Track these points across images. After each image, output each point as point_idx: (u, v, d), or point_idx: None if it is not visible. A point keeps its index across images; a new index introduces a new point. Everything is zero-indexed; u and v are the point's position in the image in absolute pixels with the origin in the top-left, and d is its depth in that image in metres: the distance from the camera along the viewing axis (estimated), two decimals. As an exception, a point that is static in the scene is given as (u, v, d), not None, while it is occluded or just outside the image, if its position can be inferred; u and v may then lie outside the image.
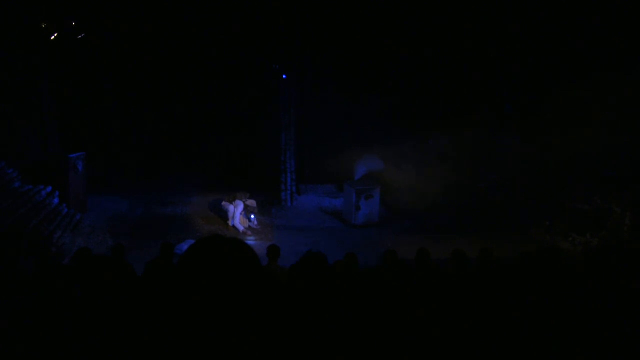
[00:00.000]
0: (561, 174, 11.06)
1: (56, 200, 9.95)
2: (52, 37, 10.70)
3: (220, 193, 12.15)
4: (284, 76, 11.33)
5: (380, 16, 11.18)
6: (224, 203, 10.59)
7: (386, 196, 11.40)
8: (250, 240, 9.90)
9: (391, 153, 12.24)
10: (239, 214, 10.36)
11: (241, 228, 10.40)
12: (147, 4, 11.11)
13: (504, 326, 4.08)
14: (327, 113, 11.92)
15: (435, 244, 8.50)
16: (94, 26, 11.12)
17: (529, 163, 11.71)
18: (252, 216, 10.50)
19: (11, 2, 9.99)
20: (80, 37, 11.11)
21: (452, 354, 3.75)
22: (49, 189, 9.97)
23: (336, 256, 6.36)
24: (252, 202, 10.50)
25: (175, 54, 12.19)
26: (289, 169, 11.62)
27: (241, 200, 10.42)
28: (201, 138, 13.00)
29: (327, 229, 10.68)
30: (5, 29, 9.90)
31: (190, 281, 1.13)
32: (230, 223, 10.54)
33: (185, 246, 8.82)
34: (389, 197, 11.63)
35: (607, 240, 9.22)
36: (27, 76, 10.79)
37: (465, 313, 4.30)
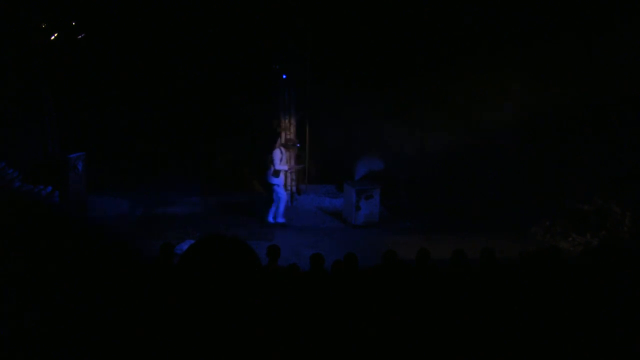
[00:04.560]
0: (561, 173, 11.06)
1: (56, 200, 9.95)
2: (52, 37, 10.69)
3: (220, 193, 12.14)
4: (284, 76, 11.32)
5: (380, 16, 11.17)
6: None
7: (386, 196, 11.39)
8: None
9: (392, 153, 12.23)
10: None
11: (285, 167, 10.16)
12: (147, 3, 11.10)
13: (504, 325, 4.08)
14: (328, 113, 11.91)
15: (435, 244, 8.51)
16: (94, 26, 11.11)
17: (529, 163, 11.71)
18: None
19: (11, 2, 9.99)
20: (80, 37, 11.10)
21: (452, 353, 3.75)
22: (49, 189, 9.97)
23: (336, 256, 6.37)
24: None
25: (175, 53, 12.18)
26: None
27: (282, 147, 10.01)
28: (201, 138, 12.99)
29: (327, 229, 10.67)
30: (5, 29, 9.90)
31: (190, 281, 1.13)
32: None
33: (185, 246, 8.81)
34: (389, 197, 11.62)
35: (607, 240, 9.22)
36: (27, 76, 10.78)
37: (466, 313, 4.30)
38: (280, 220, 10.52)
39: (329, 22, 11.20)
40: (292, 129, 11.60)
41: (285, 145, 9.98)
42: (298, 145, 9.95)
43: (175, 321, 1.14)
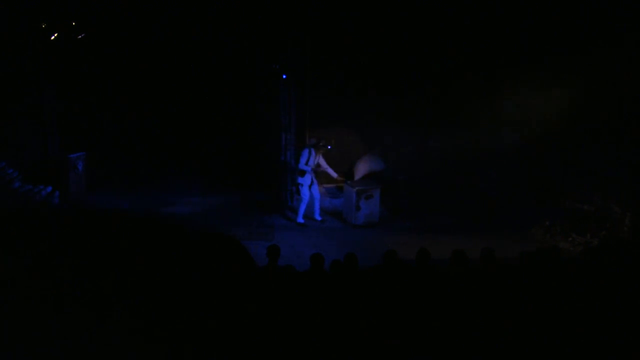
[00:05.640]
0: (561, 173, 11.08)
1: (56, 201, 9.97)
2: (52, 37, 10.70)
3: (220, 193, 12.14)
4: (284, 76, 11.32)
5: (379, 16, 11.19)
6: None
7: (386, 196, 11.40)
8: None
9: (392, 153, 12.23)
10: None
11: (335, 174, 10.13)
12: (147, 3, 11.10)
13: (504, 325, 4.08)
14: (328, 113, 11.92)
15: (435, 244, 8.50)
16: (94, 26, 11.12)
17: (528, 162, 11.73)
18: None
19: (11, 2, 10.00)
20: (80, 37, 11.10)
21: (453, 353, 3.76)
22: (49, 189, 9.99)
23: (336, 256, 6.37)
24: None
25: (175, 54, 12.18)
26: (288, 169, 11.61)
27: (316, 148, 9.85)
28: (201, 138, 13.00)
29: (327, 229, 10.67)
30: (5, 29, 9.91)
31: (187, 280, 1.12)
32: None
33: (185, 246, 8.80)
34: (389, 197, 11.63)
35: (607, 240, 9.23)
36: (27, 76, 10.79)
37: (466, 313, 4.31)
38: (300, 220, 10.61)
39: (329, 22, 11.21)
40: (292, 129, 11.59)
41: (317, 147, 9.98)
42: (329, 147, 9.99)
43: (174, 319, 1.15)
